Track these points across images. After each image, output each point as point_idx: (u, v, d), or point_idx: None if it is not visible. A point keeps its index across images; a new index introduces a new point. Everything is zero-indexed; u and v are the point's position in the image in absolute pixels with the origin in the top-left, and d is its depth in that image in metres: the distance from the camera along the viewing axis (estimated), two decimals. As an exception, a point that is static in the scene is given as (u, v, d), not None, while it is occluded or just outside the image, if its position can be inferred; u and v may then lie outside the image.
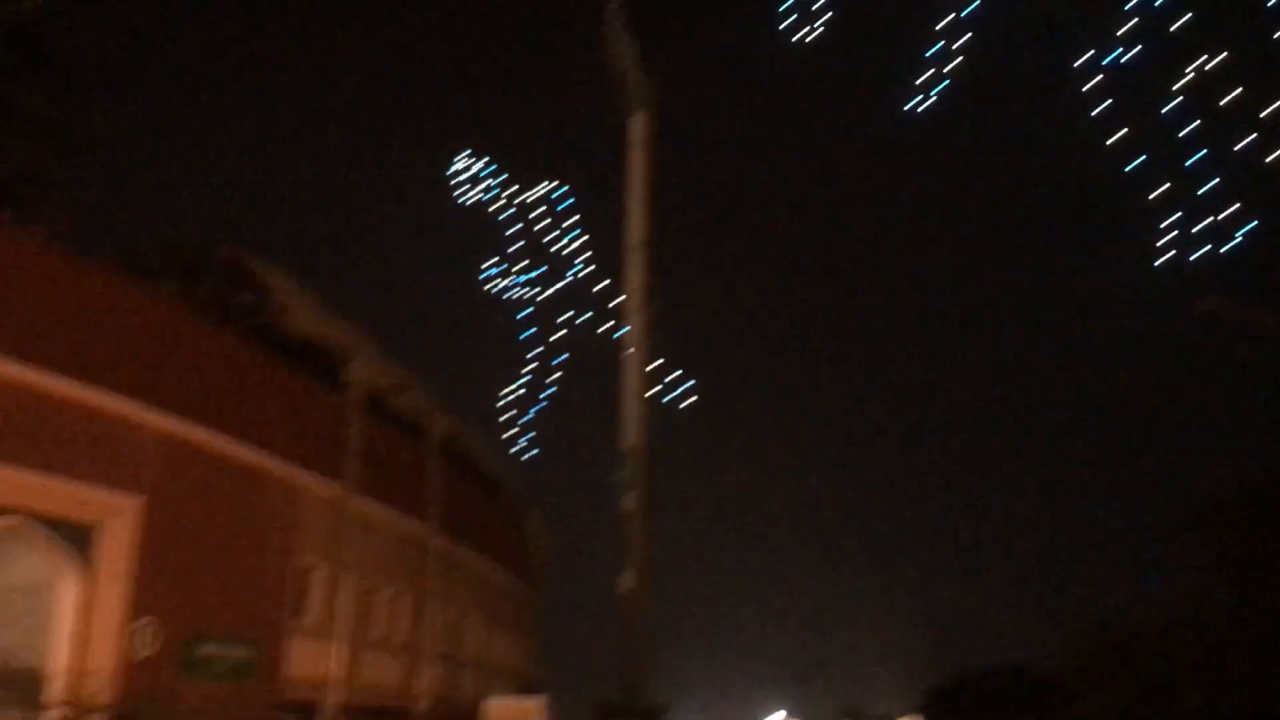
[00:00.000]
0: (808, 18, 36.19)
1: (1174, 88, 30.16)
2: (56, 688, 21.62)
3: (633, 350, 49.48)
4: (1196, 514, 35.14)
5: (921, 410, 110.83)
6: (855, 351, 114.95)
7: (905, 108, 35.34)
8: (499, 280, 54.83)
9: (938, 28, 34.19)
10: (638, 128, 50.85)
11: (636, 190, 52.40)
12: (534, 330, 54.16)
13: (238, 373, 28.49)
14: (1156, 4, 29.88)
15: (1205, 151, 30.60)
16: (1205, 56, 29.78)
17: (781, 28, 37.19)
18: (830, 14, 35.77)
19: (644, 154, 50.49)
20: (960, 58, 34.36)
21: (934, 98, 35.03)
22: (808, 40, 36.80)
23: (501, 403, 55.28)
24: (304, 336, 33.12)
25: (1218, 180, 30.22)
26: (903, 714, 51.85)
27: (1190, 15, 29.69)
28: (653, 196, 50.17)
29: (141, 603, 23.85)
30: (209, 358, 27.52)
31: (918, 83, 35.27)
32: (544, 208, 54.59)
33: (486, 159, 56.00)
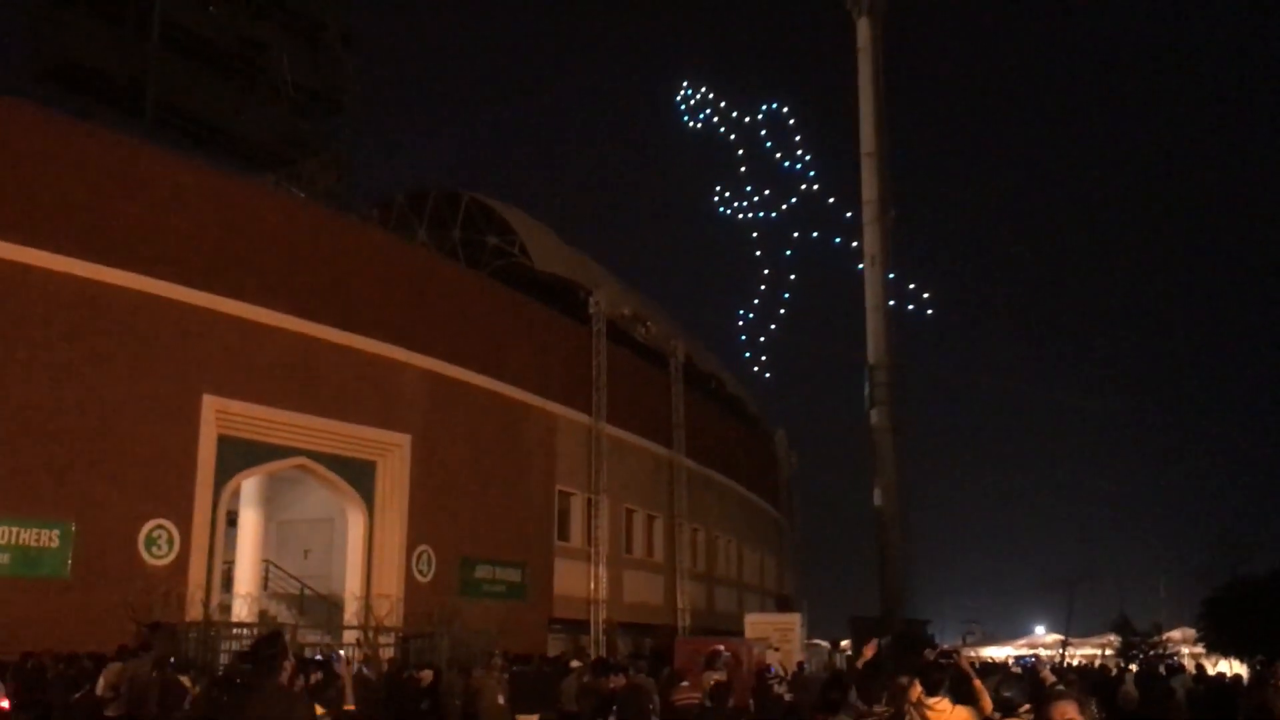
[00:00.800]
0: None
1: None
2: (351, 611, 23.58)
3: (871, 262, 48.43)
4: None
5: (1193, 299, 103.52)
6: (1114, 244, 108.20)
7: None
8: (729, 205, 54.51)
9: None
10: (864, 32, 49.20)
11: (867, 98, 50.84)
12: (767, 251, 53.66)
13: (492, 312, 29.79)
14: None
15: None
16: None
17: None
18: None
19: (872, 59, 48.85)
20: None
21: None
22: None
23: (740, 324, 55.25)
24: (548, 273, 34.21)
25: None
26: (1178, 627, 49.26)
27: None
28: (883, 103, 48.57)
29: (419, 531, 25.63)
30: (465, 299, 28.90)
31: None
32: (770, 128, 53.64)
33: (704, 87, 55.42)
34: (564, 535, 31.72)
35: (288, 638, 10.05)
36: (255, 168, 29.86)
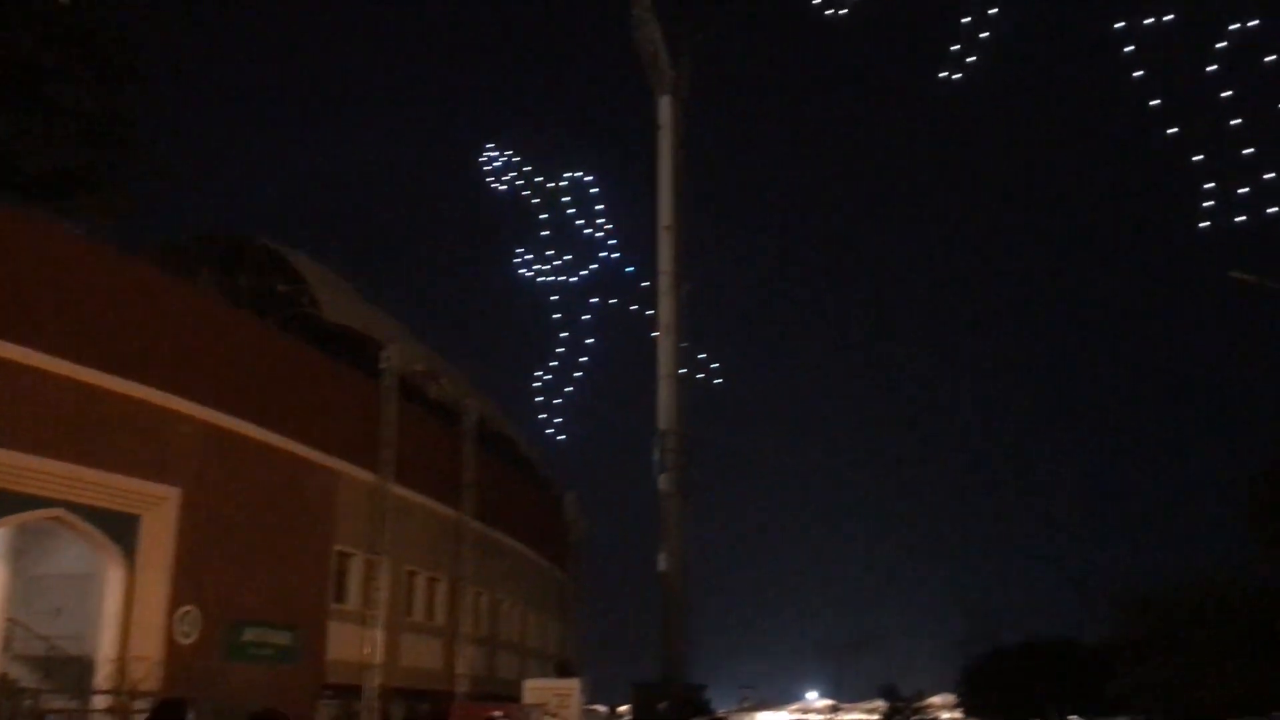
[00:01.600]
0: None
1: (1214, 48, 29.75)
2: (103, 674, 22.10)
3: (664, 331, 49.56)
4: (1238, 486, 34.89)
5: (957, 380, 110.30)
6: (888, 324, 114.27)
7: (941, 74, 35.01)
8: (529, 267, 54.99)
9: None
10: (666, 111, 50.80)
11: (666, 173, 52.38)
12: (564, 315, 54.35)
13: (275, 362, 28.85)
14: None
15: (1239, 120, 30.16)
16: (1238, 23, 29.33)
17: (814, 2, 36.87)
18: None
19: (672, 137, 50.44)
20: (994, 27, 34.04)
21: (970, 65, 34.72)
22: (839, 14, 36.48)
23: (535, 385, 55.54)
24: (340, 325, 33.48)
25: (1251, 150, 29.80)
26: (940, 692, 51.80)
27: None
28: (681, 179, 50.13)
29: (184, 590, 24.30)
30: (247, 348, 27.89)
31: (953, 48, 34.93)
32: (573, 195, 54.64)
33: (511, 152, 56.12)
34: (340, 597, 30.74)
35: (28, 702, 9.38)
36: (31, 201, 28.10)
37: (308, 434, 29.05)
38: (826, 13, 36.63)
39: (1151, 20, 31.64)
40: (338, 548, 30.50)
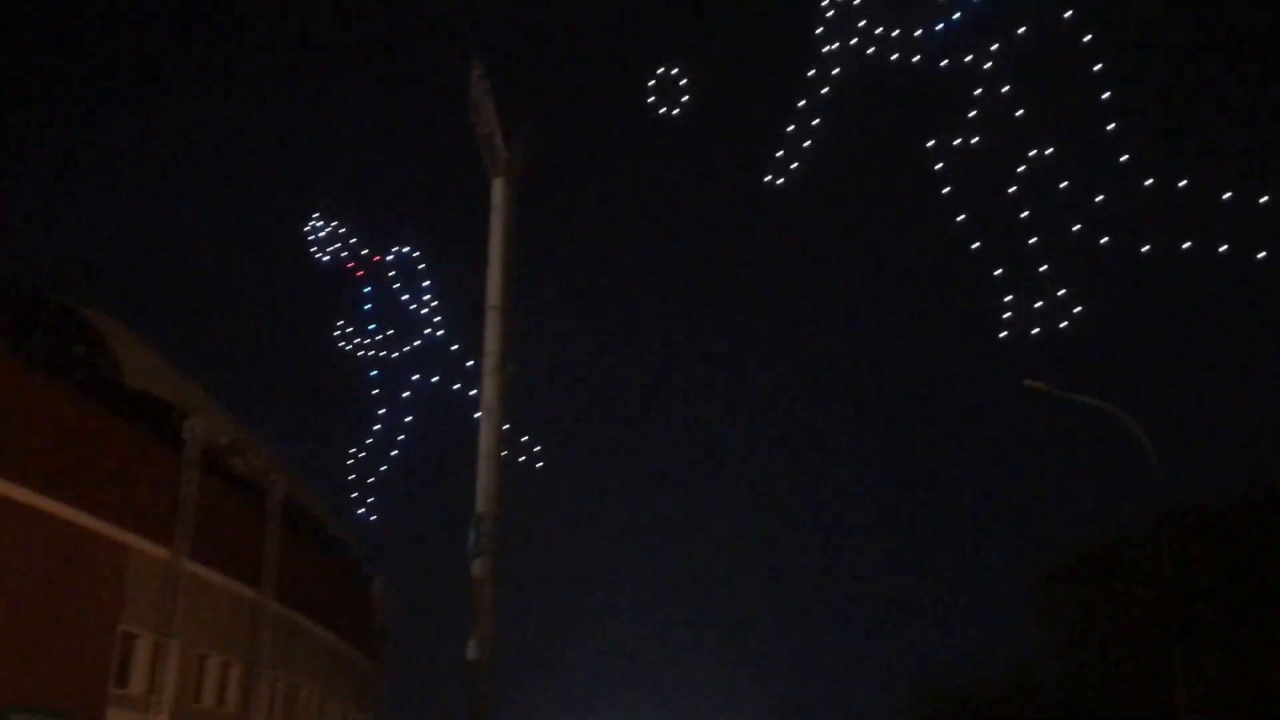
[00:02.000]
0: (672, 94, 37.19)
1: (1017, 170, 32.08)
2: None
3: (486, 412, 48.97)
4: (1030, 578, 36.51)
5: (767, 472, 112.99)
6: (704, 416, 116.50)
7: (765, 179, 36.55)
8: (350, 340, 53.76)
9: (799, 105, 35.69)
10: (499, 192, 50.94)
11: (496, 254, 52.30)
12: (383, 391, 53.18)
13: (67, 428, 27.04)
14: (1003, 90, 31.91)
15: (1037, 239, 32.42)
16: (1036, 150, 31.72)
17: (649, 100, 37.96)
18: (691, 93, 36.82)
19: (504, 218, 50.56)
20: (816, 136, 35.85)
21: (793, 171, 36.41)
22: (673, 114, 37.70)
23: (349, 463, 53.89)
24: (141, 391, 31.72)
25: (1046, 267, 32.01)
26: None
27: (1023, 111, 31.70)
28: (511, 260, 50.19)
29: (-56, 672, 22.19)
30: (36, 412, 26.05)
31: (777, 155, 36.55)
32: (399, 269, 53.95)
33: (336, 222, 55.18)
34: (122, 681, 28.66)
35: None
36: None
37: (96, 504, 27.22)
38: (660, 110, 37.74)
39: (959, 141, 33.87)
40: (123, 628, 28.50)
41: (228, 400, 39.71)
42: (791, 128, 36.47)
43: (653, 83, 38.29)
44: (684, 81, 37.63)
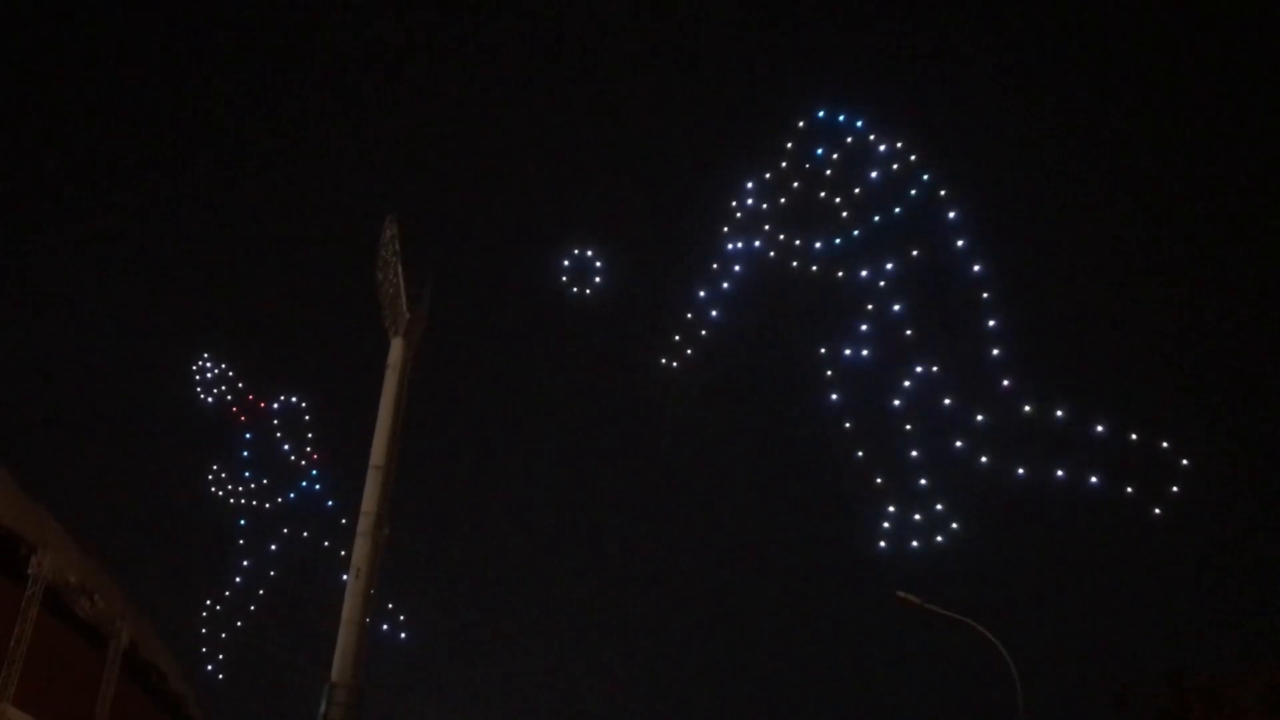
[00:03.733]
0: (582, 278, 38.46)
1: (903, 384, 33.38)
2: None
3: (355, 574, 47.25)
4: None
5: (640, 665, 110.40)
6: (573, 600, 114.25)
7: (661, 361, 37.57)
8: (222, 485, 51.93)
9: (700, 295, 37.17)
10: (396, 352, 50.67)
11: (386, 413, 51.53)
12: (249, 542, 51.14)
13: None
14: (895, 309, 33.67)
15: (915, 454, 33.47)
16: (920, 368, 33.17)
17: (562, 280, 39.06)
18: (600, 278, 38.15)
19: (398, 378, 50.15)
20: (711, 327, 37.17)
21: (688, 357, 37.55)
22: (583, 296, 38.87)
23: (205, 614, 51.05)
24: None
25: (924, 481, 32.97)
26: None
27: (911, 332, 33.41)
28: (400, 421, 49.58)
29: None
30: None
31: (675, 339, 37.74)
32: (283, 417, 52.84)
33: (224, 364, 54.20)
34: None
35: None
36: None
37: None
38: (572, 290, 38.94)
39: (850, 352, 35.22)
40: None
41: (84, 534, 37.77)
42: (690, 315, 37.72)
43: (566, 262, 39.52)
44: (599, 264, 38.91)
